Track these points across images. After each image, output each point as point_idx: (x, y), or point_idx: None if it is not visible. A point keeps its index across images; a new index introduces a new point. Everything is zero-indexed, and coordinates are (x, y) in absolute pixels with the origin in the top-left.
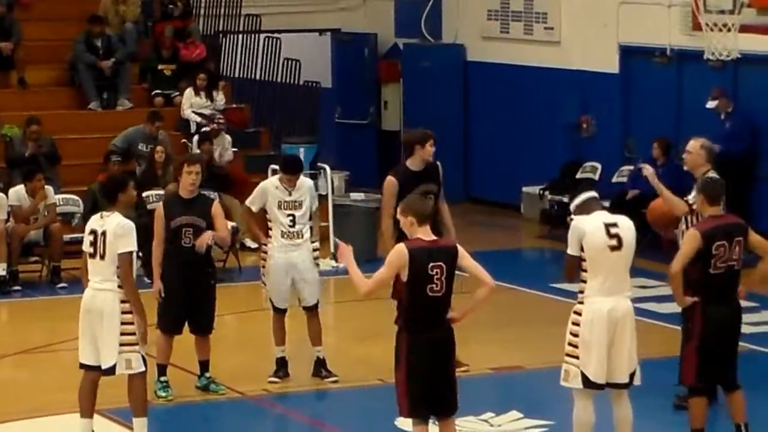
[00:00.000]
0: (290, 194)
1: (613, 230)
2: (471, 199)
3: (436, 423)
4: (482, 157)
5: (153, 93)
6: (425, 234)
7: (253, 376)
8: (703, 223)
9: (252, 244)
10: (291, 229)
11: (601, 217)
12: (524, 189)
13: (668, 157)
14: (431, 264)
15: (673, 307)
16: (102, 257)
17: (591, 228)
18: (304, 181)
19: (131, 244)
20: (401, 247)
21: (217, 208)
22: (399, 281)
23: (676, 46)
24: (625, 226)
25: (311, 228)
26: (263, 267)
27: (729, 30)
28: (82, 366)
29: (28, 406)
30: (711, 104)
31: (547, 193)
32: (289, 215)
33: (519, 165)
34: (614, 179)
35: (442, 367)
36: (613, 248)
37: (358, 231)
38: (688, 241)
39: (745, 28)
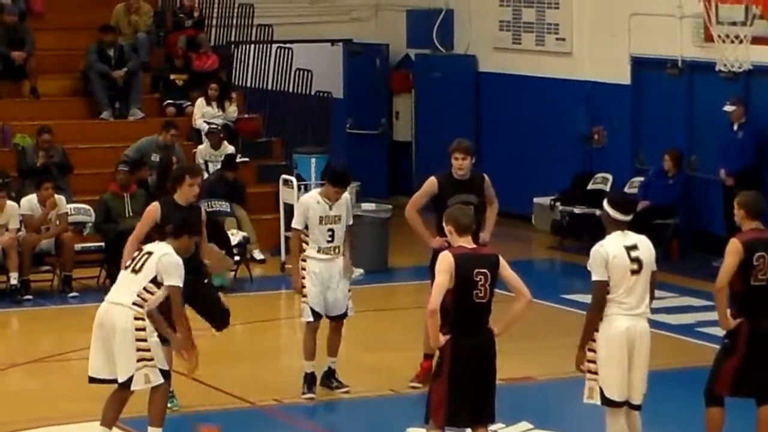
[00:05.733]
0: (331, 209)
1: (633, 253)
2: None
3: None
4: (493, 168)
5: (165, 103)
6: (467, 243)
7: (263, 387)
8: (744, 234)
9: (260, 255)
10: (329, 244)
11: (621, 239)
12: (535, 200)
13: (680, 169)
14: (476, 270)
15: (683, 318)
16: (135, 272)
17: (613, 252)
18: (343, 196)
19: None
20: (447, 254)
21: (204, 216)
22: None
23: (688, 58)
24: (645, 248)
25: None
26: (304, 288)
27: (741, 41)
28: (92, 380)
29: (38, 415)
30: (728, 108)
31: (558, 204)
32: (328, 230)
33: (530, 176)
34: (625, 190)
35: (484, 373)
36: (633, 272)
37: (369, 241)
38: (731, 252)
39: (757, 40)
